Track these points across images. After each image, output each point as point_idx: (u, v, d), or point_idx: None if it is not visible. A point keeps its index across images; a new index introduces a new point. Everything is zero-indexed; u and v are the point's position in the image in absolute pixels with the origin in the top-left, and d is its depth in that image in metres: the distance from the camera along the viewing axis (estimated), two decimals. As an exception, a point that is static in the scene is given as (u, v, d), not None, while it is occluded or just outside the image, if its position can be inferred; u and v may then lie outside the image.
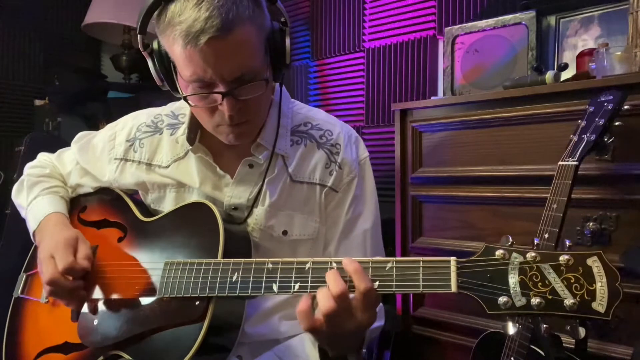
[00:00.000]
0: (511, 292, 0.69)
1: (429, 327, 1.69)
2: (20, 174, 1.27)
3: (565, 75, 1.52)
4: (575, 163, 1.12)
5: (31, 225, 1.13)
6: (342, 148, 1.10)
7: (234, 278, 0.87)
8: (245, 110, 0.93)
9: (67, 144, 1.26)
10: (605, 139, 1.15)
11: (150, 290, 0.97)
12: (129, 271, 1.02)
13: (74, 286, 0.99)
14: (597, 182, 1.29)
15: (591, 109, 1.18)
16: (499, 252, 0.71)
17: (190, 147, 1.05)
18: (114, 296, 1.02)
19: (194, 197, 1.08)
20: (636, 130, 1.22)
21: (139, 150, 1.13)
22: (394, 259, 0.78)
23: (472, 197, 1.57)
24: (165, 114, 1.16)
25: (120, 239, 1.10)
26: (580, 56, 1.58)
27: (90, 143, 1.21)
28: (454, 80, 1.90)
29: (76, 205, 1.21)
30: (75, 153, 1.22)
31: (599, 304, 0.65)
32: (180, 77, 0.92)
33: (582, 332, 0.67)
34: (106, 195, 1.19)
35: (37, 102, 2.51)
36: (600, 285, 0.65)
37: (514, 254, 0.70)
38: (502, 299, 0.69)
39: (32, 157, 1.30)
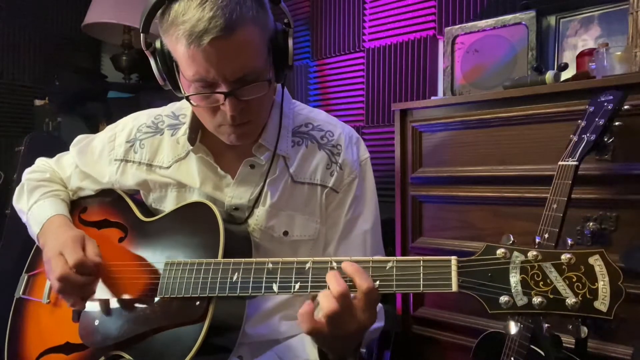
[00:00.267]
0: (512, 291, 0.69)
1: (429, 327, 1.69)
2: (21, 173, 1.27)
3: (565, 75, 1.52)
4: (575, 163, 1.12)
5: (34, 229, 1.13)
6: (343, 149, 1.10)
7: (234, 278, 0.87)
8: (247, 110, 0.93)
9: (67, 144, 1.25)
10: (605, 139, 1.15)
11: (150, 290, 0.97)
12: (130, 271, 1.02)
13: (85, 282, 0.97)
14: (597, 182, 1.29)
15: (591, 109, 1.18)
16: (500, 251, 0.71)
17: (192, 147, 1.05)
18: (115, 296, 1.02)
19: (194, 198, 1.08)
20: (636, 130, 1.22)
21: (140, 151, 1.13)
22: (395, 258, 0.78)
23: (472, 197, 1.57)
24: (166, 114, 1.16)
25: (120, 239, 1.10)
26: (580, 56, 1.58)
27: (89, 145, 1.20)
28: (454, 80, 1.90)
29: (77, 206, 1.21)
30: (74, 156, 1.21)
31: (601, 303, 0.64)
32: (183, 76, 0.92)
33: (584, 331, 0.67)
34: (107, 195, 1.19)
35: (37, 102, 2.51)
36: (603, 284, 0.65)
37: (515, 253, 0.70)
38: (503, 299, 0.69)
39: (32, 157, 1.29)
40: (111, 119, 1.27)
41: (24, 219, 1.20)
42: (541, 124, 1.41)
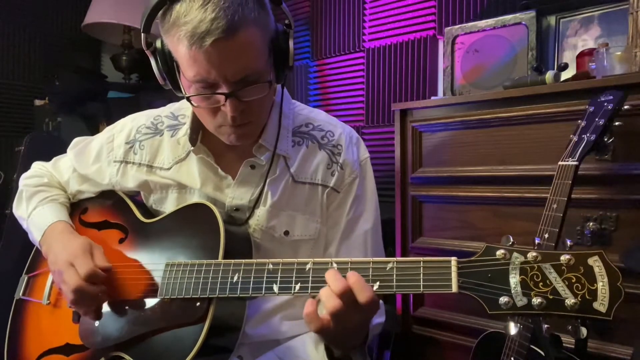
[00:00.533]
0: (512, 292, 0.69)
1: (429, 327, 1.70)
2: (21, 173, 1.27)
3: (565, 75, 1.52)
4: (575, 163, 1.12)
5: (35, 236, 1.12)
6: (344, 149, 1.10)
7: (235, 279, 0.87)
8: (248, 111, 0.93)
9: (67, 144, 1.25)
10: (605, 139, 1.15)
11: (151, 291, 0.97)
12: (130, 272, 1.02)
13: (99, 291, 0.96)
14: (597, 182, 1.30)
15: (591, 109, 1.18)
16: (499, 252, 0.71)
17: (192, 147, 1.05)
18: (115, 297, 1.01)
19: (195, 199, 1.08)
20: (636, 130, 1.23)
21: (139, 152, 1.13)
22: (395, 259, 0.78)
23: (472, 197, 1.57)
24: (165, 115, 1.16)
25: (121, 241, 1.10)
26: (580, 56, 1.58)
27: (87, 148, 1.20)
28: (454, 80, 1.90)
29: (77, 207, 1.21)
30: (72, 159, 1.20)
31: (601, 304, 0.65)
32: (184, 76, 0.92)
33: (583, 332, 0.67)
34: (107, 196, 1.19)
35: (37, 102, 2.51)
36: (602, 285, 0.65)
37: (515, 254, 0.70)
38: (503, 299, 0.69)
39: (32, 157, 1.29)
40: (111, 119, 1.26)
41: (24, 226, 1.19)
42: (541, 124, 1.41)
